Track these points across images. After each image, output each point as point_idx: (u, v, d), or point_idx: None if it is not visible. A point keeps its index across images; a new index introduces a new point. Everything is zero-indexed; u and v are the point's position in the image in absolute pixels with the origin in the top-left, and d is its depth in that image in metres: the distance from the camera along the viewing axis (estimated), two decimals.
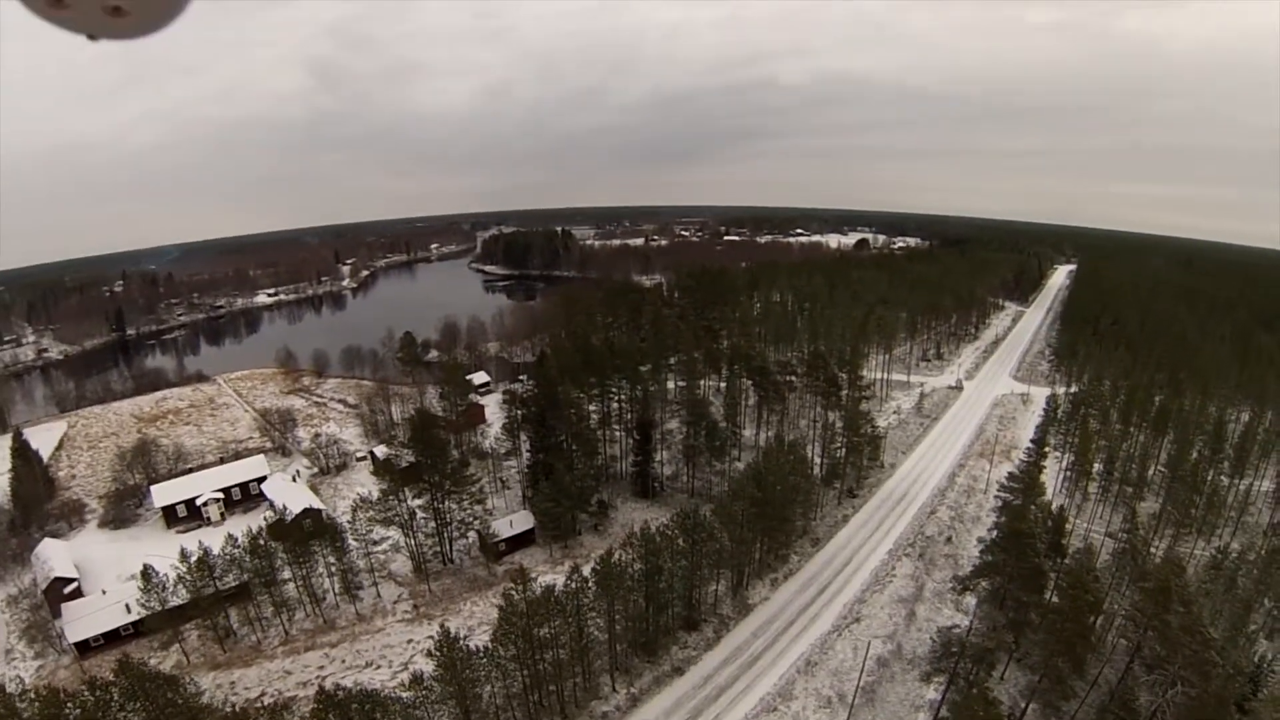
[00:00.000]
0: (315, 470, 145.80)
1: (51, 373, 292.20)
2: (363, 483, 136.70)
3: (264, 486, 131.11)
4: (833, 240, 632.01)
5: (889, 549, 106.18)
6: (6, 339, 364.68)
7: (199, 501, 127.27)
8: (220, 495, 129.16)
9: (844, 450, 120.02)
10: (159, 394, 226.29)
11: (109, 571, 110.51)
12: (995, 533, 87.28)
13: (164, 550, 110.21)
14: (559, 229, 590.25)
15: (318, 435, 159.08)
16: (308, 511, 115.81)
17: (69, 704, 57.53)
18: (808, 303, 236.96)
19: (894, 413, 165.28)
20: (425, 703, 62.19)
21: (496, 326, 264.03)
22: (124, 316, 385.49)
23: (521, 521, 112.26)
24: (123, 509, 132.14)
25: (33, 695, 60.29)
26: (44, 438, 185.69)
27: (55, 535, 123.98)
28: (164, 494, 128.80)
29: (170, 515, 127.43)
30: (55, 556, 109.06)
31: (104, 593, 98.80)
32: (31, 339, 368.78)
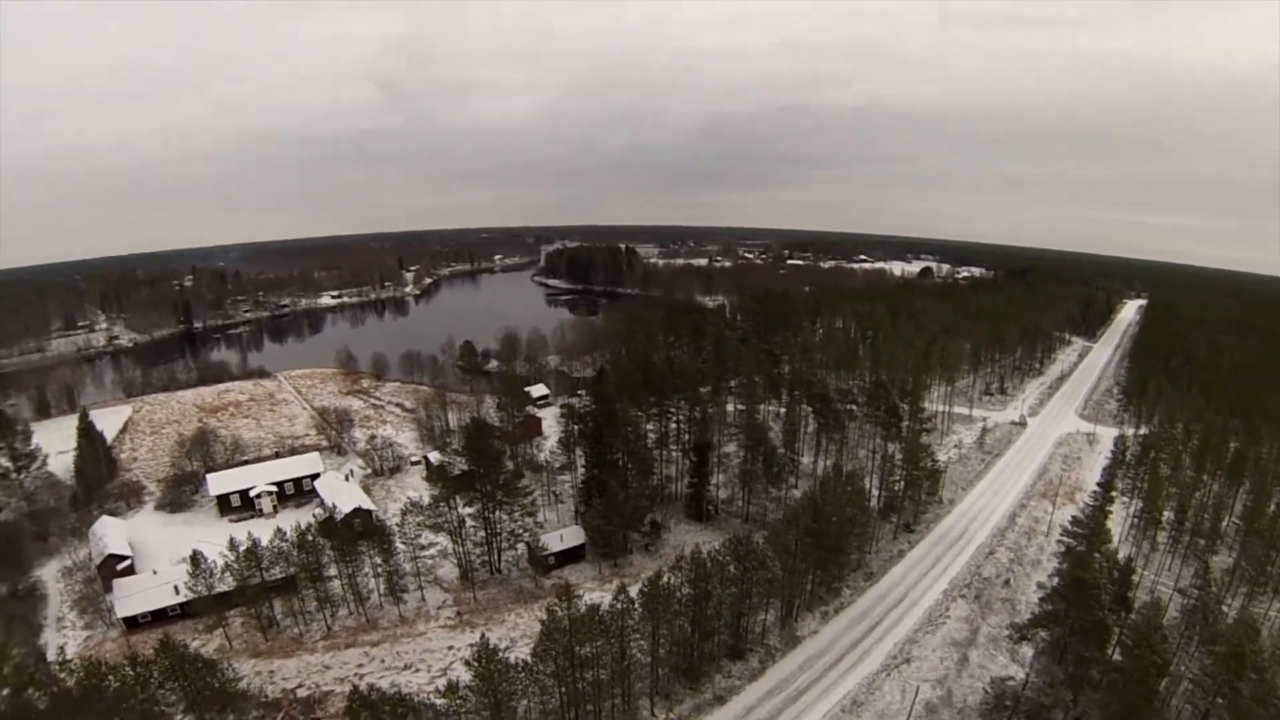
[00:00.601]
0: (369, 471, 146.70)
1: (121, 359, 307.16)
2: (415, 487, 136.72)
3: (316, 483, 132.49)
4: (896, 268, 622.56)
5: (944, 589, 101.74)
6: (80, 324, 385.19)
7: (252, 493, 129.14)
8: (273, 489, 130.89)
9: (902, 483, 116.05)
10: (221, 386, 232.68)
11: (162, 553, 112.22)
12: (1056, 580, 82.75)
13: (215, 537, 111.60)
14: (623, 246, 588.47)
15: (373, 437, 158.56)
16: (358, 511, 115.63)
17: (110, 677, 57.98)
18: (870, 330, 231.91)
19: (955, 447, 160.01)
20: (459, 712, 61.11)
21: (557, 340, 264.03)
22: (192, 310, 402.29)
23: (572, 537, 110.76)
24: (179, 494, 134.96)
25: (74, 665, 60.90)
26: (109, 420, 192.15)
27: (113, 514, 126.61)
28: (219, 483, 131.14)
29: (224, 504, 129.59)
30: (111, 534, 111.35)
31: (155, 573, 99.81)
32: (104, 326, 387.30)
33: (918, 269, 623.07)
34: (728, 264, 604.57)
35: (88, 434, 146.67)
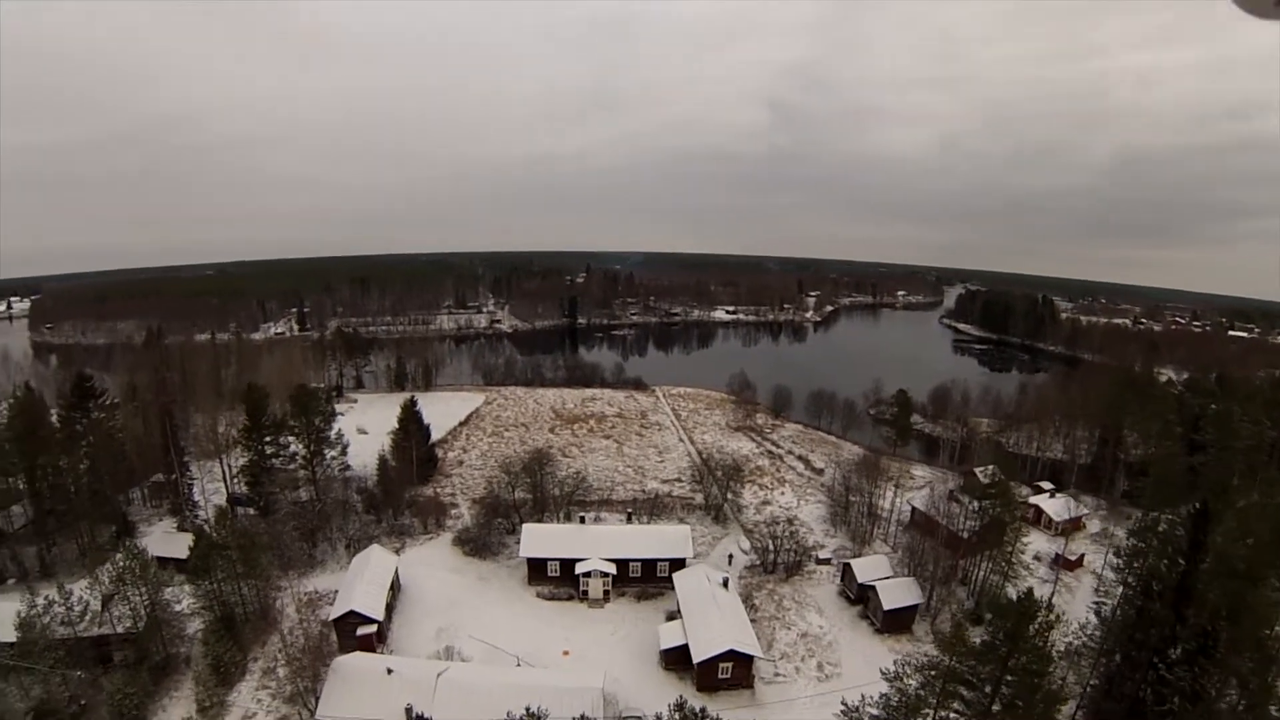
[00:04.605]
0: (754, 560, 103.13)
1: (496, 345, 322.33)
2: (821, 605, 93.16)
3: (676, 577, 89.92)
4: None
5: None
6: (470, 304, 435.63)
7: (579, 568, 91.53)
8: (611, 569, 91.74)
9: None
10: (588, 391, 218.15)
11: (430, 619, 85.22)
12: None
13: (510, 622, 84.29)
14: (1040, 296, 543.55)
15: (766, 505, 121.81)
16: (730, 655, 73.23)
17: None
18: None
19: None
20: None
21: (991, 400, 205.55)
22: (578, 305, 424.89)
23: None
24: (489, 530, 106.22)
25: None
26: (454, 408, 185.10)
27: (404, 533, 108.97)
28: (536, 542, 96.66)
29: (536, 568, 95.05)
30: (369, 578, 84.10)
31: (389, 671, 67.18)
32: (490, 309, 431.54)
33: None
34: (1157, 328, 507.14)
35: (407, 426, 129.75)
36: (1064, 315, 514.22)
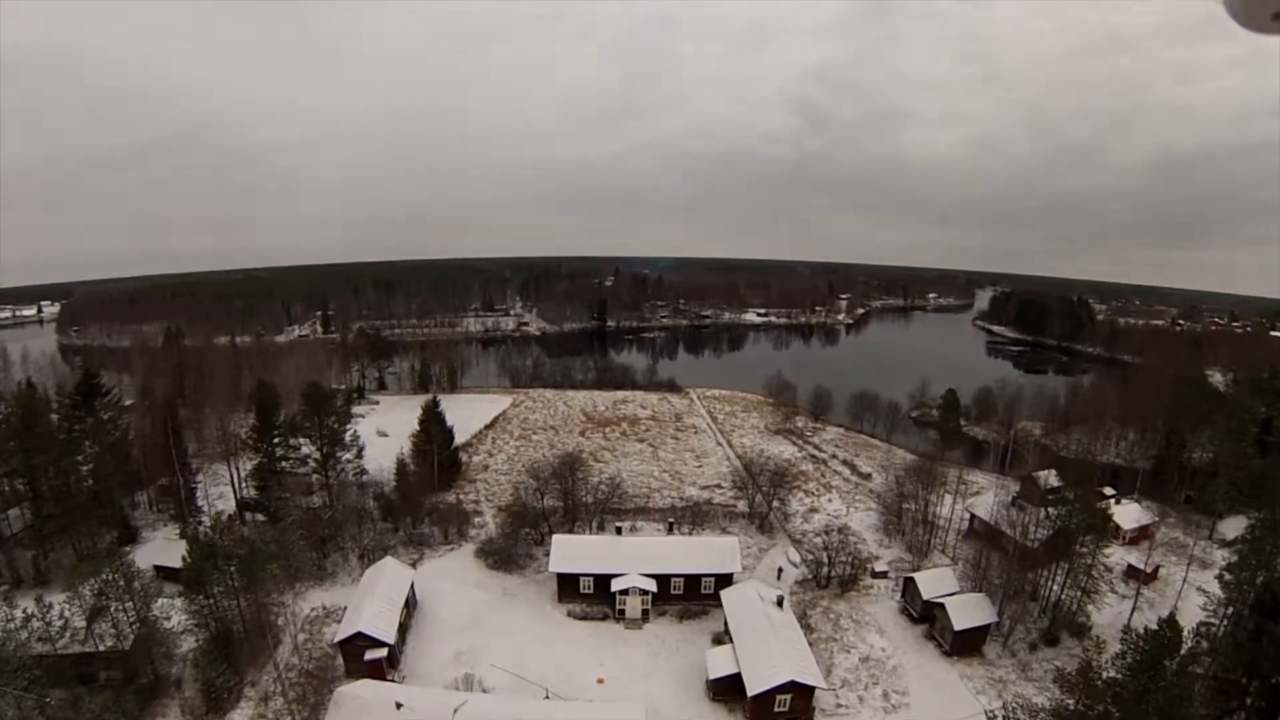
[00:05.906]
0: (806, 573, 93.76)
1: (524, 347, 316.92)
2: (882, 624, 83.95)
3: (724, 595, 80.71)
4: None
5: None
6: (497, 307, 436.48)
7: (616, 585, 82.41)
8: (650, 584, 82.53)
9: None
10: (620, 394, 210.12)
11: (448, 641, 76.44)
12: None
13: (537, 640, 76.81)
14: (1076, 297, 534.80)
15: (814, 513, 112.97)
16: (791, 687, 63.55)
17: None
18: None
19: None
20: None
21: (1046, 401, 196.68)
22: (607, 308, 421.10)
23: None
24: (516, 542, 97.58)
25: None
26: (481, 410, 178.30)
27: (423, 543, 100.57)
28: (566, 555, 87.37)
29: (566, 584, 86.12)
30: (380, 595, 75.52)
31: (399, 706, 58.83)
32: (517, 311, 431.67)
33: None
34: (1198, 328, 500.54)
35: (429, 428, 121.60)
36: (1100, 316, 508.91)
